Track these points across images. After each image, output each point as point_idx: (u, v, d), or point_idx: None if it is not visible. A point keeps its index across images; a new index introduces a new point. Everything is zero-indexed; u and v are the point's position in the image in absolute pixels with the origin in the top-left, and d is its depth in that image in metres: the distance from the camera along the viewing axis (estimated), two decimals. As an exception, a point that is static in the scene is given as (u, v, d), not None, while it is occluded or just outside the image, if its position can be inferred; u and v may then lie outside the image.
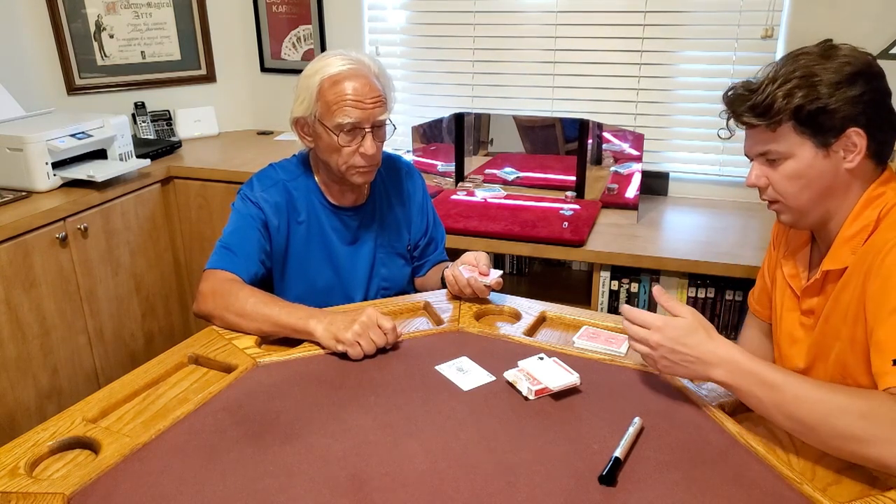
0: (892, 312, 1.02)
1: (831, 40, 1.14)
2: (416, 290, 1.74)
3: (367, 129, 1.44)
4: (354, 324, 1.28)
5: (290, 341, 1.36)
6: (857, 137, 1.10)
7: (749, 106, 1.14)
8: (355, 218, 1.60)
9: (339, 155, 1.46)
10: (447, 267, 1.55)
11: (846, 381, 1.16)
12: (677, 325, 1.08)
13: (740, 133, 1.23)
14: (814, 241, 1.28)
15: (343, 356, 1.28)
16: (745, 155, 1.22)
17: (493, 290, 1.49)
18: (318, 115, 1.45)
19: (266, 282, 1.58)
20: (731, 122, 1.19)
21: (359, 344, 1.27)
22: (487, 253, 1.54)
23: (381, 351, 1.30)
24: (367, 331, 1.28)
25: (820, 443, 0.98)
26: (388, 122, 1.49)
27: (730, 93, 1.18)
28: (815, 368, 1.23)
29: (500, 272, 1.48)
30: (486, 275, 1.46)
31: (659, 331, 1.09)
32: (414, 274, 1.75)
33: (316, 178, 1.58)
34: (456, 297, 1.51)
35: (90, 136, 2.24)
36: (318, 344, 1.31)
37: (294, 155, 1.63)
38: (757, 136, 1.17)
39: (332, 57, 1.46)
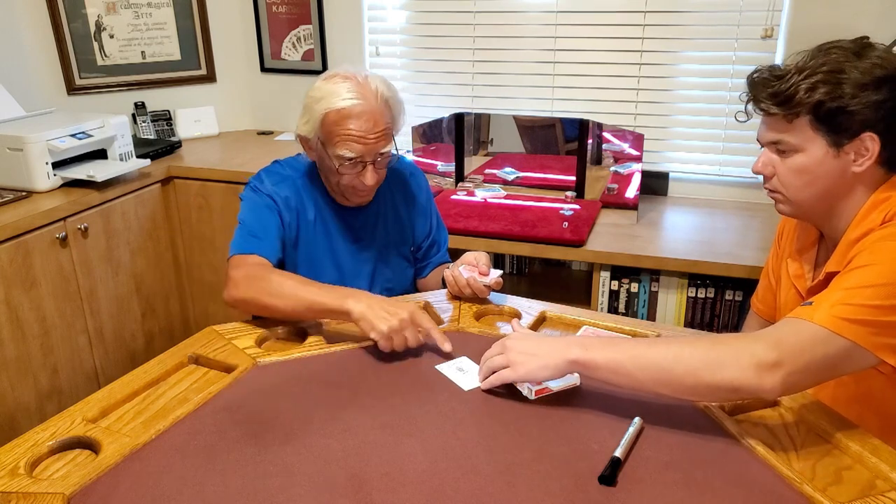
0: (852, 270, 1.05)
1: (867, 38, 1.12)
2: (418, 291, 1.74)
3: (368, 161, 1.44)
4: (394, 318, 1.24)
5: (290, 341, 1.36)
6: (870, 143, 1.09)
7: (771, 93, 1.12)
8: (360, 218, 1.61)
9: (340, 178, 1.47)
10: (448, 267, 1.55)
11: (845, 381, 1.16)
12: (526, 331, 1.24)
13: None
14: (821, 242, 1.28)
15: (345, 355, 1.28)
16: (757, 140, 1.21)
17: (493, 290, 1.49)
18: (322, 140, 1.45)
19: None
20: (750, 105, 1.18)
21: (392, 339, 1.24)
22: (487, 253, 1.54)
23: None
24: (405, 328, 1.25)
25: (678, 384, 1.03)
26: (392, 147, 1.48)
27: (755, 75, 1.16)
28: None
29: (500, 272, 1.48)
30: (486, 274, 1.46)
31: (509, 338, 1.16)
32: (416, 276, 1.75)
33: (323, 180, 1.58)
34: (456, 297, 1.51)
35: (90, 136, 2.24)
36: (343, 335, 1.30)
37: (299, 154, 1.63)
38: (772, 124, 1.16)
39: (339, 83, 1.42)
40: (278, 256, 1.48)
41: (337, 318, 1.32)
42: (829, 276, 1.19)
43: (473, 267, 1.48)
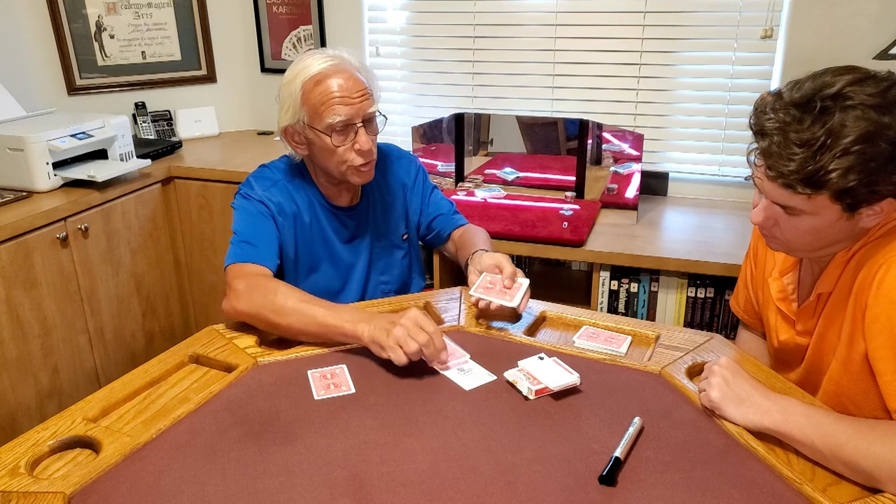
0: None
1: (890, 78, 1.01)
2: (415, 276, 1.75)
3: (358, 125, 1.43)
4: (395, 326, 1.21)
5: (288, 341, 1.36)
6: (887, 205, 1.04)
7: (795, 169, 1.01)
8: (353, 217, 1.61)
9: (335, 156, 1.45)
10: (466, 239, 1.60)
11: (840, 399, 1.15)
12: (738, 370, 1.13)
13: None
14: (802, 260, 1.25)
15: (341, 352, 1.28)
16: (754, 184, 1.12)
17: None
18: (307, 120, 1.43)
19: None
20: (755, 153, 1.08)
21: (400, 348, 1.20)
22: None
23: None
24: (408, 334, 1.20)
25: (868, 479, 0.96)
26: (378, 113, 1.47)
27: (757, 123, 1.06)
28: (810, 383, 1.23)
29: (527, 282, 1.40)
30: (510, 288, 1.39)
31: (730, 370, 1.11)
32: (434, 245, 1.78)
33: (314, 181, 1.58)
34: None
35: (91, 136, 2.24)
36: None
37: (284, 155, 1.60)
38: (782, 189, 1.05)
39: (309, 58, 1.45)
40: (276, 263, 1.46)
41: (348, 340, 1.29)
42: (820, 297, 1.17)
43: (493, 284, 1.40)
